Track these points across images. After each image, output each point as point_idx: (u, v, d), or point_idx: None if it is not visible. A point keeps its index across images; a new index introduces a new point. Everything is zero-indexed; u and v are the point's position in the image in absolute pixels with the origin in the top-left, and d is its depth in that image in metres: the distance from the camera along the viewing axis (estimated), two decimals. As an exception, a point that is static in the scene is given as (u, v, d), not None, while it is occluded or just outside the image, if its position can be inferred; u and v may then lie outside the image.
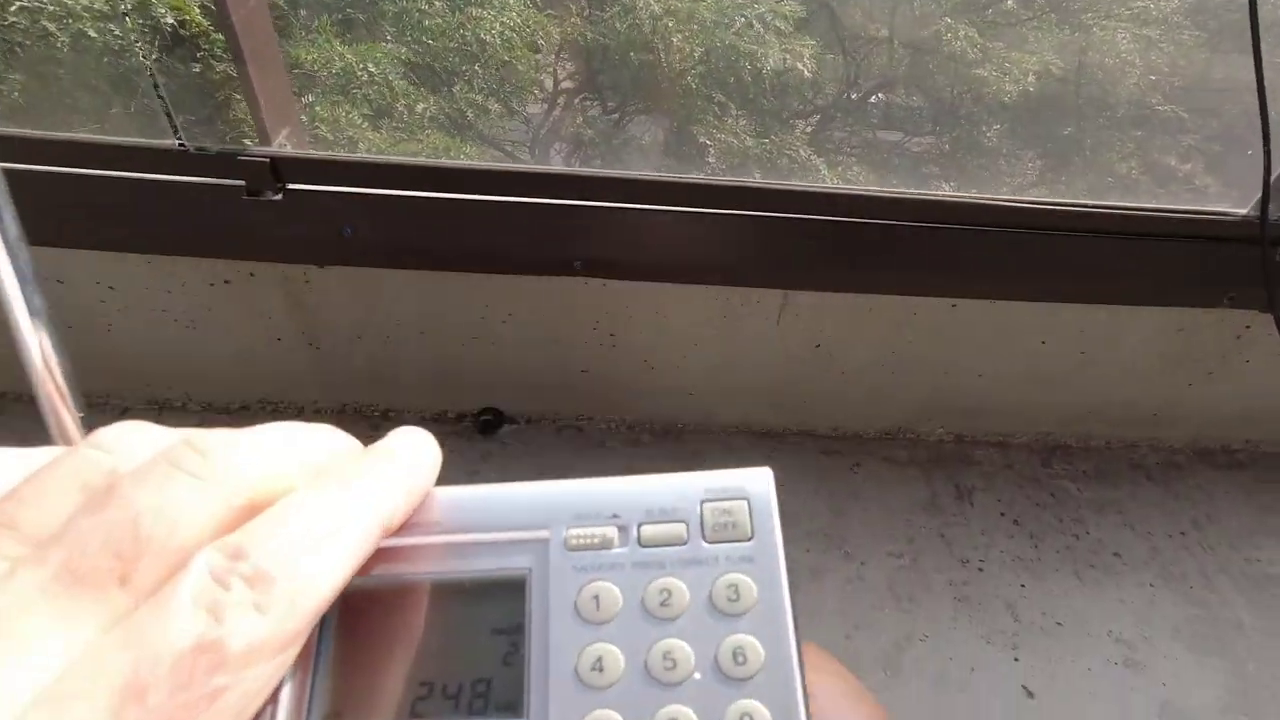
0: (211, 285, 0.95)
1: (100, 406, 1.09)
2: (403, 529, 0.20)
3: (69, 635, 0.13)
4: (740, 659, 0.18)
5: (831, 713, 0.33)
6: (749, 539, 0.19)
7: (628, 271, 0.92)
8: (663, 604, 0.19)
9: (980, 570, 1.05)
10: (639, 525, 0.20)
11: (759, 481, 0.20)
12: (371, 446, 0.19)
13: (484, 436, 1.12)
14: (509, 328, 1.01)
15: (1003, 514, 1.12)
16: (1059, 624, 1.01)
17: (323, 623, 0.19)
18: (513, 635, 0.19)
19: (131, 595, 0.14)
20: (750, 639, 0.18)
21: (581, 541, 0.20)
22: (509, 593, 0.20)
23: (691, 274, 0.93)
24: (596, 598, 0.19)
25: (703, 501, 0.20)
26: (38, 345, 0.24)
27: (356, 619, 0.19)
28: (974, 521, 1.11)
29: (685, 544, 0.19)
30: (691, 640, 0.18)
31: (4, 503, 0.14)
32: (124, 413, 1.09)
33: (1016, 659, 0.97)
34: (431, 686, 0.19)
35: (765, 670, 0.18)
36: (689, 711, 0.18)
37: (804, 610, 0.51)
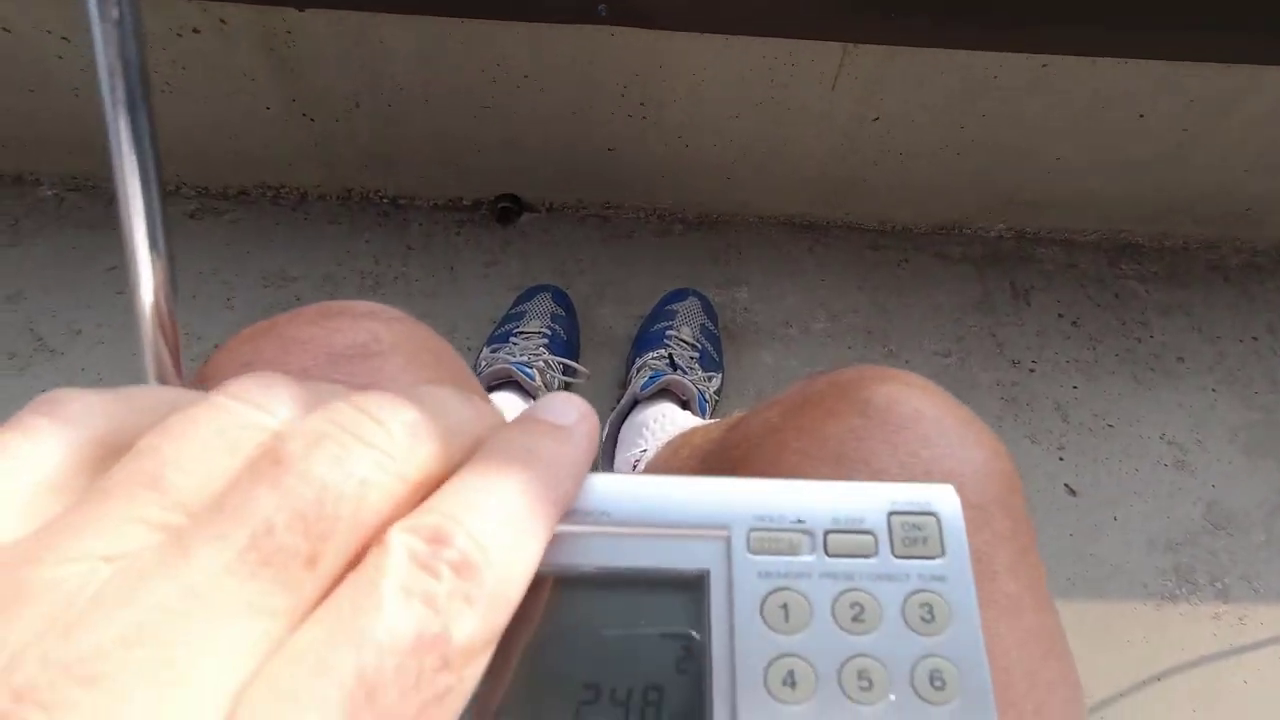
0: (179, 36, 0.82)
1: (85, 189, 1.01)
2: (567, 516, 0.18)
3: (262, 626, 0.11)
4: (938, 683, 0.18)
5: (953, 442, 0.28)
6: (940, 556, 0.19)
7: (661, 18, 0.78)
8: (855, 618, 0.18)
9: (1031, 371, 0.99)
10: (825, 533, 0.19)
11: (946, 499, 0.20)
12: (526, 415, 0.17)
13: (502, 225, 1.04)
14: (526, 96, 0.89)
15: (1061, 315, 1.04)
16: (1110, 426, 0.96)
17: None
18: (685, 640, 0.18)
19: (319, 581, 0.12)
20: (946, 662, 0.18)
21: (767, 544, 0.19)
22: (684, 592, 0.18)
23: (736, 22, 0.79)
24: (785, 606, 0.18)
25: (890, 514, 0.19)
26: (150, 277, 0.21)
27: (517, 609, 0.18)
28: (1029, 322, 1.03)
29: (875, 557, 0.19)
30: (885, 659, 0.18)
31: (142, 458, 0.13)
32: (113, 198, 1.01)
33: (1062, 458, 0.93)
34: (598, 690, 0.18)
35: (962, 696, 0.18)
36: None
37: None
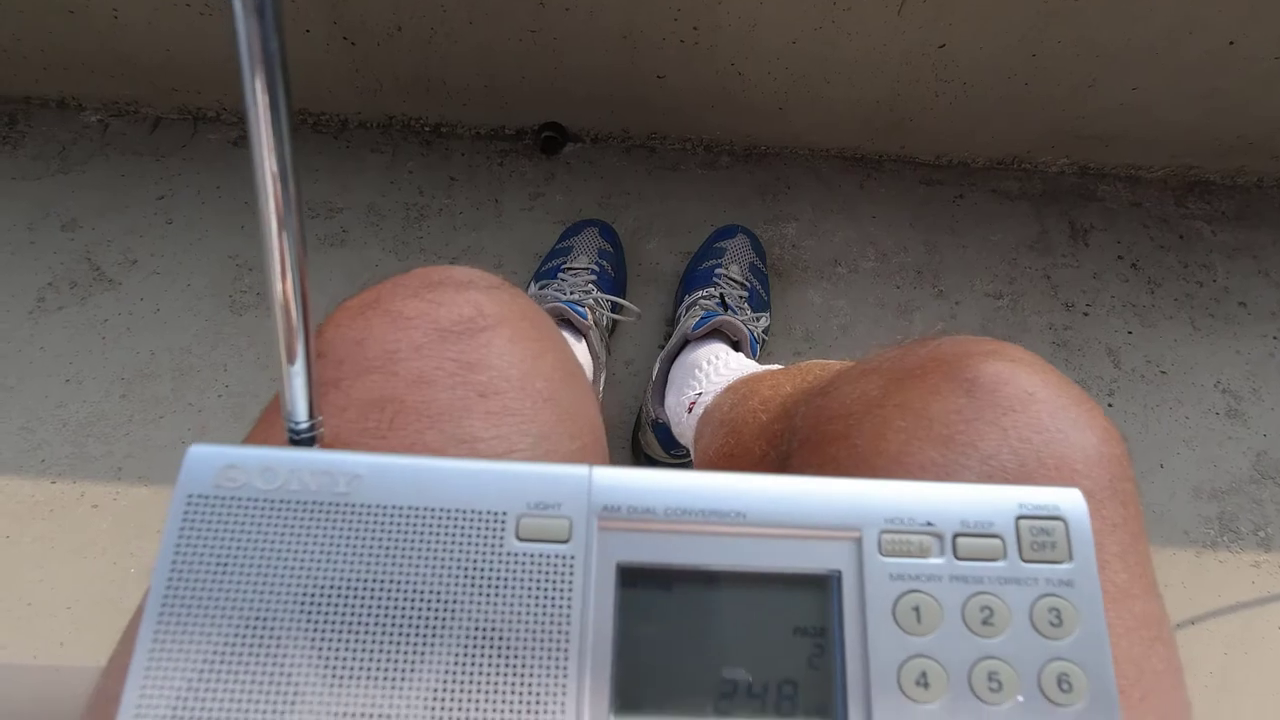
0: (220, -46, 0.79)
1: (129, 115, 1.00)
2: (701, 514, 0.19)
3: None
4: (1065, 686, 0.18)
5: (1065, 426, 0.28)
6: (1068, 562, 0.19)
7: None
8: (984, 621, 0.19)
9: (1085, 315, 0.97)
10: (954, 536, 0.19)
11: (1073, 502, 0.20)
12: None
13: (546, 156, 1.02)
14: (574, 20, 0.85)
15: (1120, 256, 1.01)
16: (1163, 372, 0.94)
17: (610, 608, 0.19)
18: (816, 637, 0.19)
19: None
20: (1074, 667, 0.18)
21: (897, 547, 0.19)
22: (816, 591, 0.19)
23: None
24: (917, 609, 0.19)
25: (1018, 518, 0.20)
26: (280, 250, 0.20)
27: (648, 604, 0.19)
28: (1086, 263, 1.00)
29: (1003, 561, 0.19)
30: (1014, 662, 0.18)
31: None
32: (156, 124, 1.00)
33: (1111, 404, 0.92)
34: (735, 685, 0.18)
35: (1089, 700, 0.18)
36: None
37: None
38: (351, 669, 0.18)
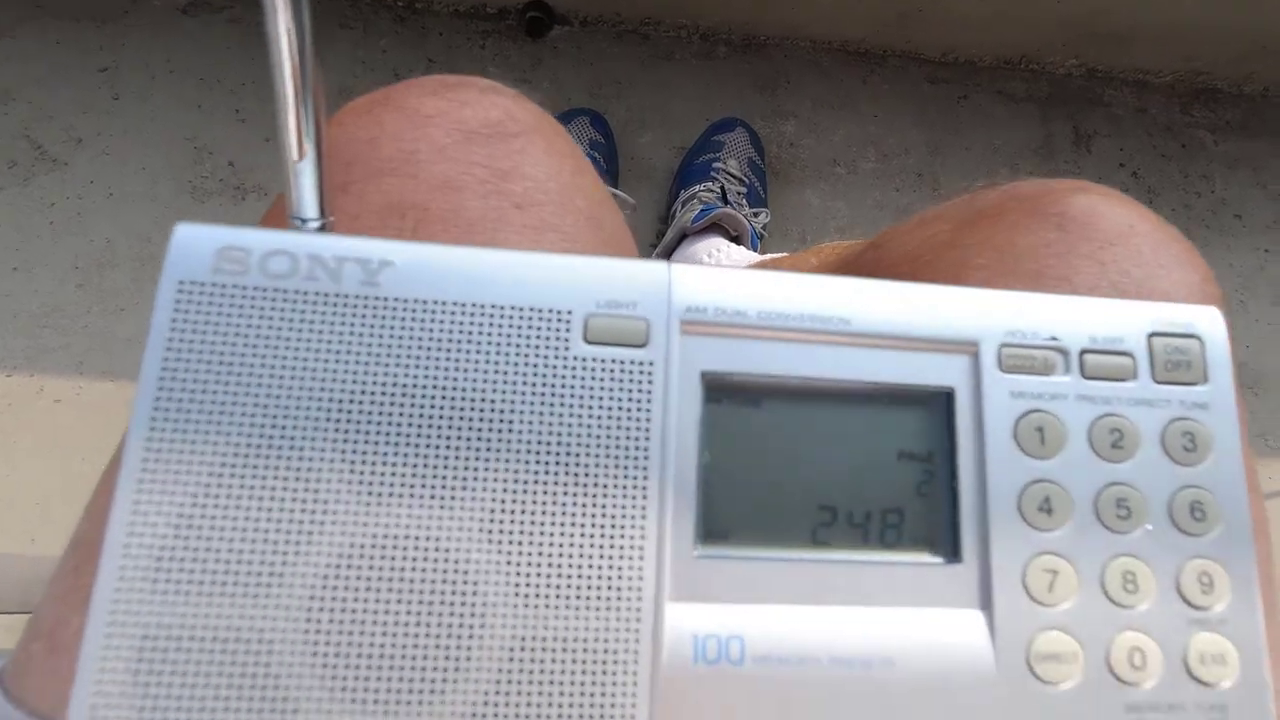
0: None
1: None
2: (799, 319, 0.17)
3: None
4: (1198, 514, 0.17)
5: (1166, 261, 0.26)
6: (1203, 383, 0.18)
7: None
8: (1113, 445, 0.17)
9: (1084, 222, 0.96)
10: (1082, 353, 0.18)
11: (1212, 321, 0.19)
12: None
13: (531, 39, 0.94)
14: (564, -126, 0.77)
15: (1122, 164, 0.99)
16: (1155, 281, 0.94)
17: (694, 423, 0.16)
18: (925, 461, 0.17)
19: None
20: (1207, 494, 0.17)
21: (1019, 362, 0.17)
22: (926, 411, 0.17)
23: None
24: (1041, 430, 0.17)
25: (1150, 335, 0.18)
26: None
27: (737, 420, 0.17)
28: (1087, 170, 0.98)
29: (1134, 381, 0.18)
30: (1144, 488, 0.17)
31: None
32: (96, -15, 0.90)
33: (1103, 312, 0.92)
34: (834, 512, 0.17)
35: (1223, 527, 0.17)
36: (1142, 565, 0.17)
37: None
38: (391, 485, 0.15)
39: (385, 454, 0.15)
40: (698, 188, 0.78)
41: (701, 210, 0.72)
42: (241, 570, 0.14)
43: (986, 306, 0.18)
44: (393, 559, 0.15)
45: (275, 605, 0.14)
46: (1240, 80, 1.02)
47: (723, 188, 0.77)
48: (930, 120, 0.97)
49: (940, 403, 0.17)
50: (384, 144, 0.24)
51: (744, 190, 0.81)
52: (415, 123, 0.24)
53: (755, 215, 0.80)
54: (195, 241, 0.16)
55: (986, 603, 0.16)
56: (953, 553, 0.16)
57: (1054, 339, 0.18)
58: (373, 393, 0.15)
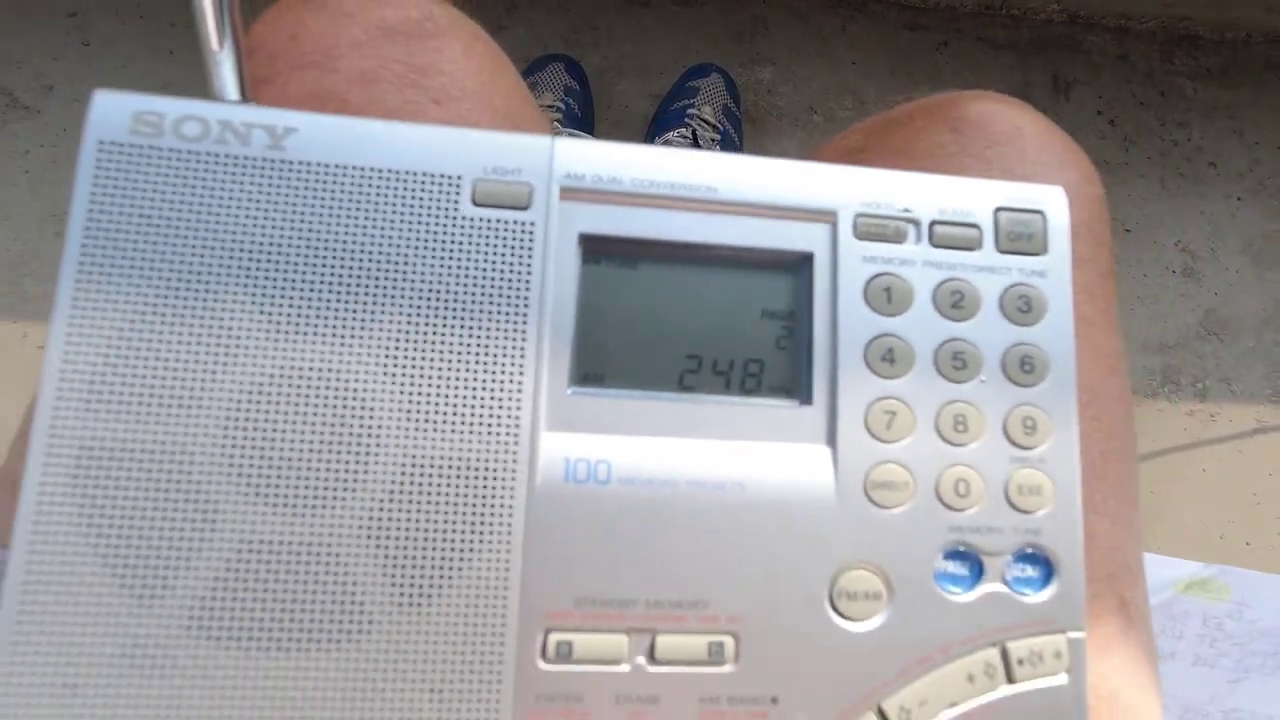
0: None
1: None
2: (670, 187, 0.18)
3: None
4: (1027, 367, 0.19)
5: (1049, 161, 0.28)
6: (1043, 253, 0.19)
7: None
8: (954, 305, 0.19)
9: (1059, 171, 0.96)
10: (932, 224, 0.19)
11: (1056, 200, 0.20)
12: None
13: (507, -17, 0.93)
14: None
15: (1099, 112, 0.99)
16: (1127, 230, 0.95)
17: (573, 279, 0.18)
18: (785, 320, 0.19)
19: None
20: (1038, 350, 0.19)
21: (873, 230, 0.19)
22: (787, 274, 0.19)
23: None
24: (888, 290, 0.19)
25: (997, 209, 0.20)
26: None
27: (612, 278, 0.18)
28: (1064, 119, 0.97)
29: (979, 250, 0.19)
30: (980, 343, 0.19)
31: None
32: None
33: (1074, 260, 0.93)
34: (700, 361, 0.18)
35: (1050, 379, 0.19)
36: (974, 409, 0.18)
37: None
38: (297, 325, 0.17)
39: (292, 299, 0.17)
40: (670, 134, 0.78)
41: (672, 155, 0.73)
42: (164, 393, 0.16)
43: (847, 181, 0.19)
44: (298, 386, 0.17)
45: (195, 423, 0.16)
46: (1223, 27, 1.02)
47: (694, 132, 0.78)
48: (909, 68, 0.97)
49: (800, 266, 0.19)
50: (304, 39, 0.25)
51: (718, 138, 0.81)
52: (335, 20, 0.25)
53: (728, 162, 0.80)
54: (114, 107, 0.18)
55: (832, 439, 0.18)
56: (805, 397, 0.18)
57: (906, 210, 0.19)
58: (279, 246, 0.17)
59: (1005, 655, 0.18)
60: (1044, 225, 0.19)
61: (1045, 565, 0.18)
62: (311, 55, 0.25)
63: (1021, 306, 0.19)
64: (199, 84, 0.72)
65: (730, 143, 0.83)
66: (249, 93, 0.21)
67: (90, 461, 0.16)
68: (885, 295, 0.19)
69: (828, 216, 0.19)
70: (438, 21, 0.26)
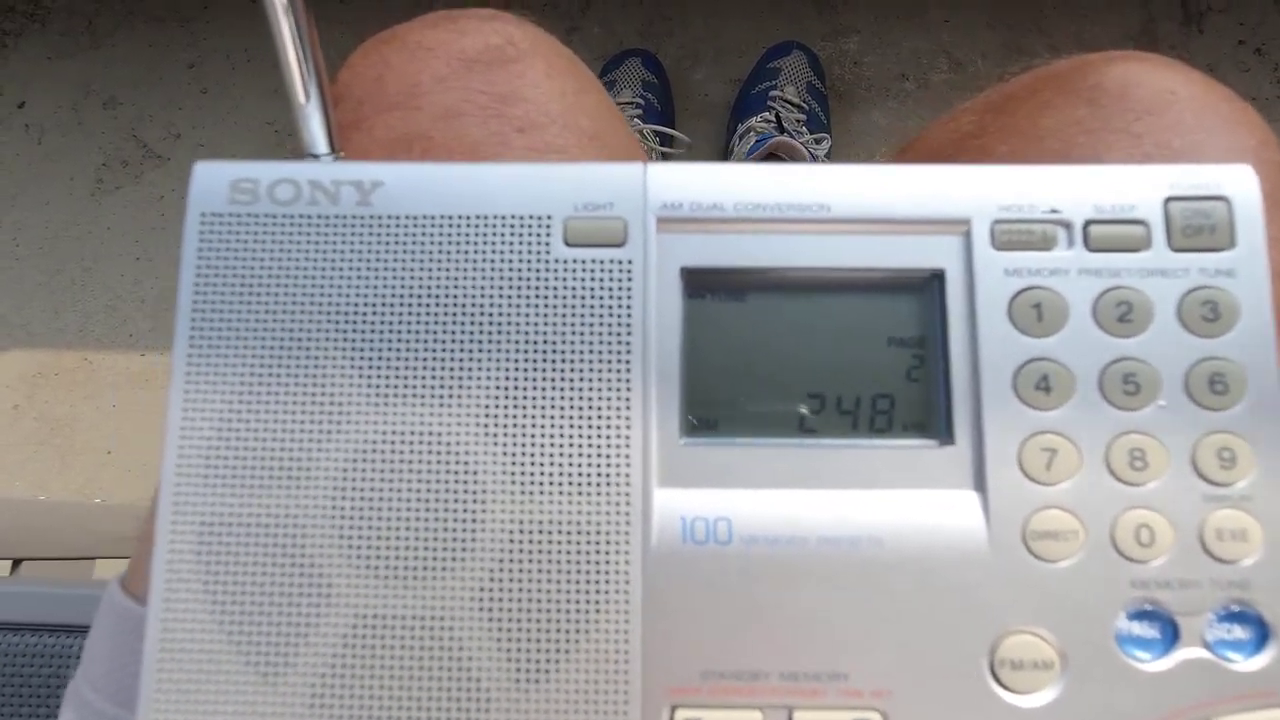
0: None
1: (148, -22, 0.96)
2: (777, 208, 0.17)
3: None
4: (1218, 386, 0.16)
5: (1214, 127, 0.24)
6: (1229, 248, 0.16)
7: None
8: (1120, 319, 0.16)
9: (1193, 113, 0.86)
10: (1086, 224, 0.17)
11: (1242, 180, 0.17)
12: None
13: (578, -17, 0.93)
14: None
15: (1242, 41, 0.88)
16: None
17: (676, 318, 0.16)
18: (915, 347, 0.17)
19: None
20: (1230, 365, 0.16)
21: (1014, 237, 0.17)
22: (914, 294, 0.17)
23: None
24: (1038, 306, 0.16)
25: (1168, 200, 0.17)
26: None
27: (719, 314, 0.17)
28: (1199, 54, 0.87)
29: (1147, 250, 0.16)
30: (1156, 361, 0.16)
31: None
32: (176, -15, 0.96)
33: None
34: (822, 399, 0.17)
35: (1248, 399, 0.16)
36: (1153, 441, 0.16)
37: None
38: (397, 387, 0.17)
39: (389, 359, 0.17)
40: (753, 119, 0.76)
41: (757, 141, 0.71)
42: (274, 466, 0.17)
43: (978, 182, 0.17)
44: (401, 452, 0.16)
45: (305, 495, 0.16)
46: (1393, -75, 0.88)
47: (778, 115, 0.75)
48: (1010, 19, 0.89)
49: (930, 285, 0.17)
50: (389, 80, 0.25)
51: (803, 117, 0.78)
52: (417, 56, 0.25)
53: (817, 142, 0.77)
54: (213, 177, 0.18)
55: (980, 483, 0.16)
56: (945, 435, 0.16)
57: (1054, 210, 0.16)
58: (374, 303, 0.17)
59: None
60: (1229, 213, 0.16)
61: (1258, 625, 0.15)
62: (395, 96, 0.25)
63: (1206, 314, 0.16)
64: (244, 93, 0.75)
65: (816, 121, 0.80)
66: (338, 143, 0.21)
67: (212, 537, 0.16)
68: (1034, 312, 0.16)
69: (959, 226, 0.17)
70: (518, 45, 0.26)
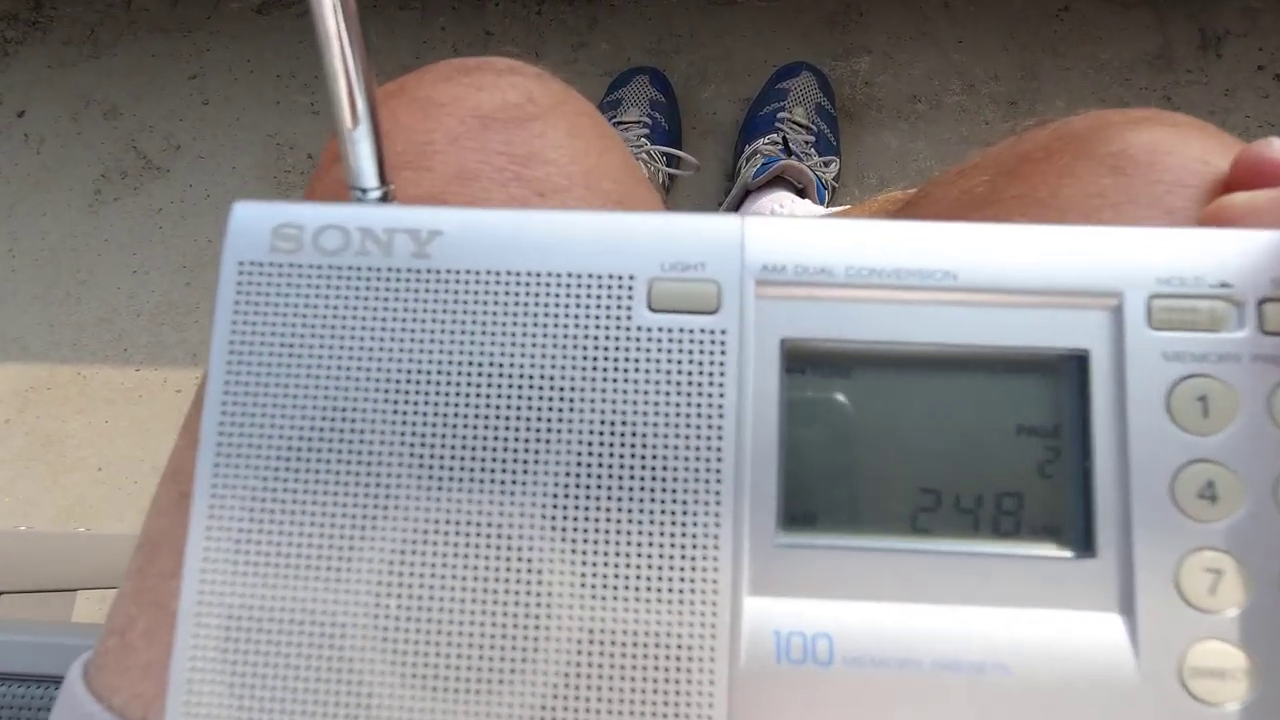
0: None
1: (152, -13, 0.95)
2: (895, 275, 0.14)
3: None
4: None
5: (1204, 155, 0.22)
6: None
7: None
8: None
9: (1211, 139, 0.84)
10: (1261, 301, 0.14)
11: None
12: None
13: (586, 0, 0.92)
14: None
15: (1261, 67, 0.86)
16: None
17: (774, 397, 0.14)
18: (1049, 438, 0.14)
19: None
20: None
21: (1176, 315, 0.14)
22: (1050, 376, 0.14)
23: None
24: (1203, 398, 0.14)
25: None
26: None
27: (823, 389, 0.15)
28: (1216, 79, 0.86)
29: None
30: None
31: None
32: (180, -5, 0.95)
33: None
34: (938, 496, 0.15)
35: None
36: None
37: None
38: (452, 469, 0.15)
39: (445, 437, 0.15)
40: (760, 141, 0.75)
41: (763, 164, 0.69)
42: (311, 555, 0.15)
43: (1133, 247, 0.14)
44: (455, 545, 0.15)
45: (345, 589, 0.15)
46: None
47: (785, 138, 0.74)
48: (1024, 41, 0.88)
49: (1070, 368, 0.14)
50: (397, 137, 0.23)
51: (811, 139, 0.77)
52: (428, 112, 0.24)
53: (825, 165, 0.75)
54: (252, 220, 0.16)
55: (1127, 606, 0.14)
56: (1084, 545, 0.14)
57: (1224, 285, 0.14)
58: (429, 371, 0.15)
59: None
60: None
61: None
62: (404, 155, 0.23)
63: None
64: (303, 131, 0.75)
65: (825, 142, 0.79)
66: (388, 175, 0.18)
67: (240, 632, 0.15)
68: (1199, 406, 0.14)
69: (1108, 299, 0.14)
70: (539, 103, 0.24)
